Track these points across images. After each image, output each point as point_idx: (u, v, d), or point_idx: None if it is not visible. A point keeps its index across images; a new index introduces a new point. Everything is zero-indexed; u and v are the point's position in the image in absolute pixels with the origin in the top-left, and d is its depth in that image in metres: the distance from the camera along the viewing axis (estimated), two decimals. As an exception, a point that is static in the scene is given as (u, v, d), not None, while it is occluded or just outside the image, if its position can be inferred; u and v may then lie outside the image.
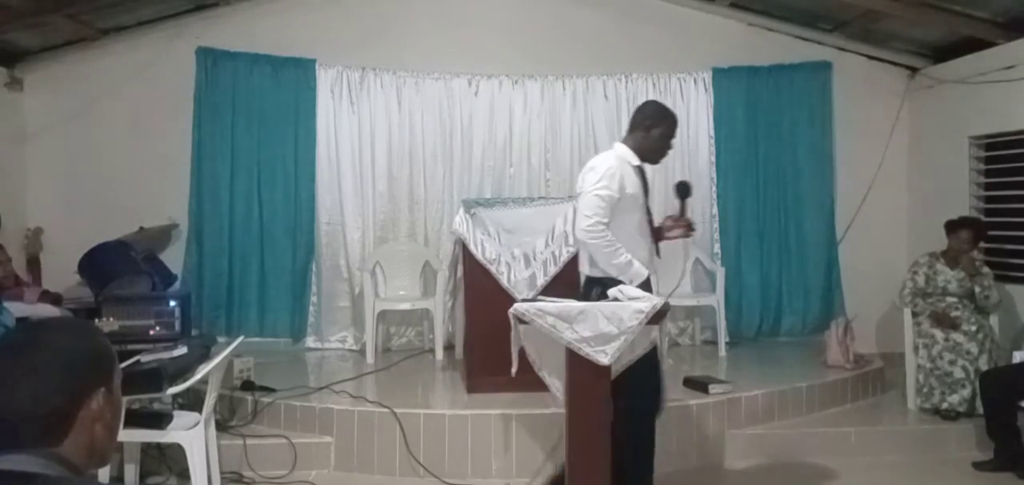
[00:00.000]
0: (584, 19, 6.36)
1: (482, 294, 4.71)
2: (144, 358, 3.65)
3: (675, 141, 3.57)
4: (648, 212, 3.48)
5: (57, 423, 1.25)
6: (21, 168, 5.98)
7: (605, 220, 3.27)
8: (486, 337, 4.41)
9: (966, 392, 4.70)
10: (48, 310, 4.73)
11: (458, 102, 6.27)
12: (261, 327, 6.09)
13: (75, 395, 1.26)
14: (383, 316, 6.04)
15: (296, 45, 6.11)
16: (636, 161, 3.43)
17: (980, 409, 4.51)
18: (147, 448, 4.01)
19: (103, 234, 5.50)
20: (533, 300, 3.35)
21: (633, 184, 3.38)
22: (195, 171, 6.02)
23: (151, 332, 4.25)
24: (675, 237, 3.57)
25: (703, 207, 6.33)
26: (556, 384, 3.42)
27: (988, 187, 5.75)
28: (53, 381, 1.25)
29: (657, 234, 3.56)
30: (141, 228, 5.83)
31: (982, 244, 5.26)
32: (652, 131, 3.44)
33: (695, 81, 6.41)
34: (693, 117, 6.39)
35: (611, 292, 3.41)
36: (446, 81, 6.26)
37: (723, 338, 5.95)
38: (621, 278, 3.26)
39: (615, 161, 3.39)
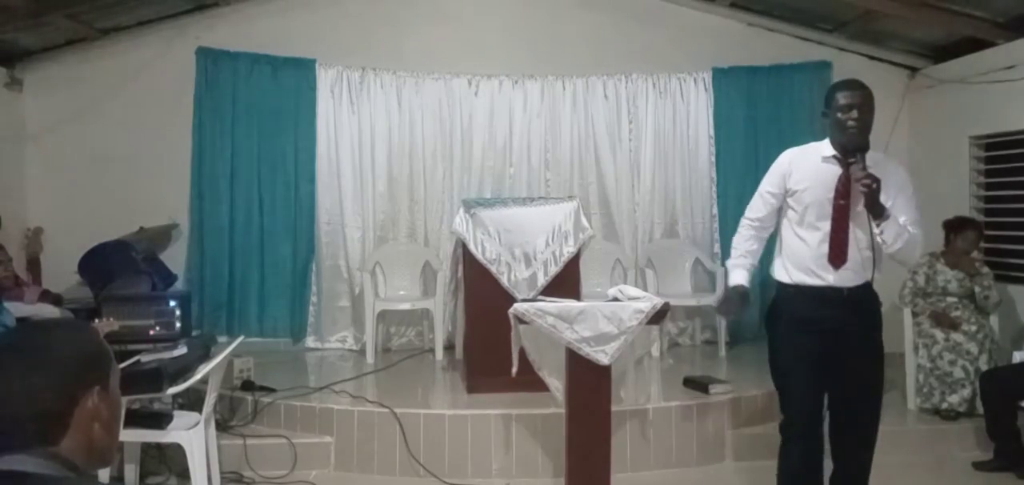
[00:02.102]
0: (584, 19, 6.36)
1: (482, 294, 4.71)
2: (144, 358, 3.66)
3: (845, 112, 2.90)
4: (838, 209, 2.91)
5: (52, 424, 1.25)
6: (21, 168, 5.99)
7: (752, 216, 3.16)
8: (486, 337, 4.41)
9: (966, 392, 4.70)
10: (48, 310, 4.73)
11: (458, 102, 6.27)
12: (261, 327, 6.09)
13: (68, 395, 1.26)
14: (383, 316, 6.04)
15: (296, 45, 6.11)
16: (829, 151, 2.98)
17: (980, 409, 4.51)
18: (147, 448, 4.01)
19: (103, 234, 5.50)
20: (533, 300, 3.36)
21: (808, 176, 2.98)
22: (195, 171, 6.02)
23: (151, 332, 4.25)
24: (862, 201, 2.87)
25: (703, 207, 6.34)
26: (556, 384, 3.43)
27: (988, 187, 5.75)
28: (46, 382, 1.25)
29: (840, 224, 2.92)
30: (141, 228, 5.83)
31: (982, 244, 5.27)
32: (826, 117, 3.01)
33: (695, 81, 6.41)
34: (693, 117, 6.40)
35: (611, 291, 3.42)
36: (446, 81, 6.27)
37: (723, 338, 5.95)
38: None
39: (792, 154, 3.10)
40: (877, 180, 2.78)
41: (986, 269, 5.02)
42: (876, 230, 2.86)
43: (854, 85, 2.98)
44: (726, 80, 6.36)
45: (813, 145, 3.06)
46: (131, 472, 3.87)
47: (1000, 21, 5.33)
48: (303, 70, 6.12)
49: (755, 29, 6.41)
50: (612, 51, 6.35)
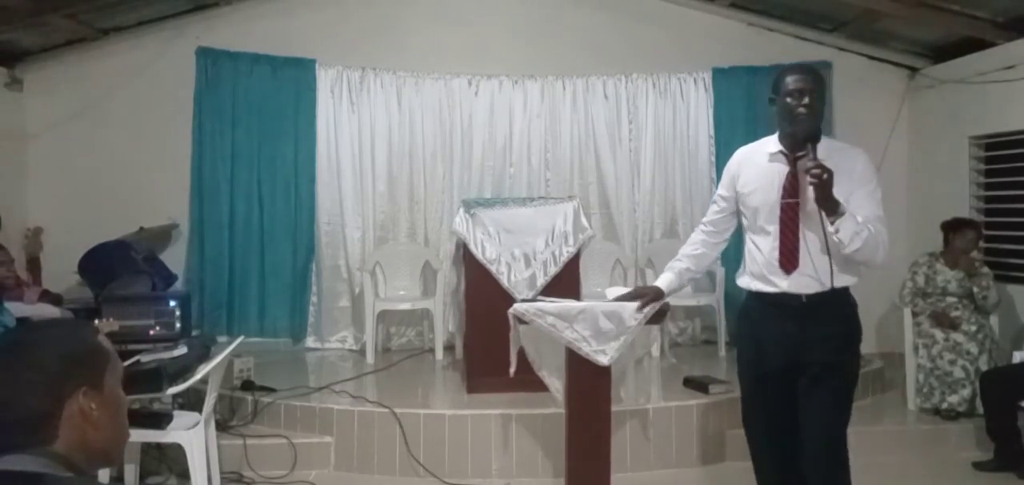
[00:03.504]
0: (584, 19, 6.36)
1: (482, 294, 4.71)
2: (144, 358, 3.66)
3: (795, 98, 2.65)
4: (786, 209, 2.68)
5: (39, 425, 1.24)
6: (21, 168, 5.98)
7: (705, 220, 3.02)
8: (486, 337, 4.41)
9: (966, 392, 4.70)
10: (48, 310, 4.72)
11: (458, 102, 6.27)
12: (261, 327, 6.09)
13: (53, 396, 1.25)
14: (383, 316, 6.04)
15: (296, 45, 6.12)
16: (776, 146, 2.75)
17: (980, 409, 4.51)
18: (147, 448, 4.01)
19: (103, 234, 5.50)
20: (533, 300, 3.35)
21: (754, 177, 2.78)
22: (195, 171, 6.02)
23: (151, 332, 4.25)
24: (812, 190, 2.55)
25: (703, 207, 6.32)
26: (556, 384, 3.42)
27: (988, 187, 5.75)
28: (29, 384, 1.24)
29: (788, 226, 2.67)
30: (141, 228, 5.83)
31: (981, 244, 5.27)
32: (774, 104, 2.74)
33: (695, 81, 6.41)
34: (693, 117, 6.39)
35: (608, 292, 3.41)
36: (446, 81, 6.27)
37: (723, 338, 5.95)
38: None
39: (741, 153, 2.91)
40: (828, 171, 2.48)
41: (986, 269, 5.03)
42: (830, 229, 2.54)
43: (804, 69, 2.73)
44: (726, 80, 6.36)
45: (762, 142, 2.84)
46: (131, 472, 3.87)
47: (1000, 21, 5.33)
48: (303, 70, 6.12)
49: (755, 29, 6.40)
50: (612, 51, 6.35)
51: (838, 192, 2.53)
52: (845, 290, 2.70)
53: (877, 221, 2.61)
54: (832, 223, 2.53)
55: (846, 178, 2.59)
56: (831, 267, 2.61)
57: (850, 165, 2.65)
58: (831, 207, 2.52)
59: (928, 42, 6.13)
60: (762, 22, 6.39)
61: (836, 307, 2.70)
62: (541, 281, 4.68)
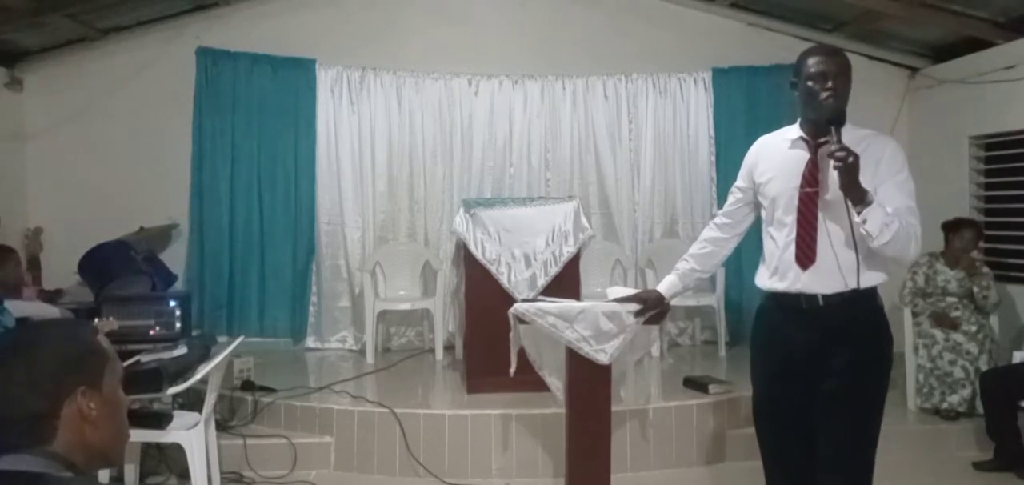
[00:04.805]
0: (584, 19, 6.36)
1: (482, 294, 4.71)
2: (144, 358, 3.66)
3: (818, 82, 2.46)
4: (804, 199, 2.47)
5: (38, 425, 1.24)
6: (21, 168, 5.98)
7: (724, 210, 2.86)
8: (486, 337, 4.41)
9: (966, 392, 4.70)
10: (49, 310, 4.72)
11: (458, 102, 6.27)
12: (261, 327, 6.09)
13: (51, 396, 1.25)
14: (383, 316, 6.04)
15: (296, 45, 6.12)
16: (796, 133, 2.57)
17: (980, 409, 4.51)
18: (147, 448, 4.02)
19: (103, 234, 5.50)
20: (534, 300, 3.35)
21: (773, 166, 2.60)
22: (195, 171, 6.02)
23: (151, 332, 4.25)
24: (835, 187, 2.37)
25: (703, 207, 6.34)
26: (556, 384, 3.42)
27: (988, 187, 5.75)
28: (27, 384, 1.25)
29: (806, 217, 2.46)
30: (141, 228, 5.83)
31: (981, 244, 5.27)
32: (795, 89, 2.56)
33: (695, 81, 6.40)
34: (693, 117, 6.39)
35: (609, 291, 3.41)
36: (446, 81, 6.27)
37: (723, 338, 5.95)
38: None
39: (760, 142, 2.76)
40: (854, 154, 2.27)
41: (986, 269, 5.03)
42: (857, 219, 2.31)
43: (828, 51, 2.52)
44: (726, 80, 6.36)
45: (783, 130, 2.66)
46: (131, 472, 3.88)
47: (1000, 21, 5.33)
48: (303, 70, 6.12)
49: (755, 29, 6.40)
50: (612, 51, 6.35)
51: (865, 183, 2.32)
52: (871, 292, 2.46)
53: (908, 213, 2.38)
54: (858, 213, 2.31)
55: (873, 168, 2.39)
56: (858, 262, 2.38)
57: (878, 154, 2.44)
58: (857, 195, 2.30)
59: (928, 42, 6.13)
60: (762, 22, 6.39)
61: (860, 312, 2.44)
62: (541, 281, 4.68)
